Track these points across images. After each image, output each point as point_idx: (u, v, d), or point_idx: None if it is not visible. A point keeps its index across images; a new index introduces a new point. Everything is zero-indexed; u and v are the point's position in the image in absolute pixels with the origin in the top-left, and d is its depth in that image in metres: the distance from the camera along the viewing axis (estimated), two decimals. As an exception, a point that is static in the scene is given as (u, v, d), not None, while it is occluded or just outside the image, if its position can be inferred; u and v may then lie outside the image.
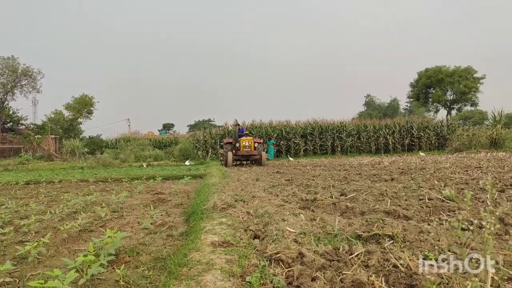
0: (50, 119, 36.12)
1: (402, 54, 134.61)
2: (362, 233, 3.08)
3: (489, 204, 4.04)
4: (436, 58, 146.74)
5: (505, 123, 25.15)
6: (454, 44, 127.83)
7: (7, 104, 35.72)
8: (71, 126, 37.65)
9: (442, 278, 1.99)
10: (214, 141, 27.24)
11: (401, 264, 2.25)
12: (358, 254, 2.56)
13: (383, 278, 2.16)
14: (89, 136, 40.92)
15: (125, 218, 5.28)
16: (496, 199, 4.45)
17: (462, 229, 1.62)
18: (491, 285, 1.67)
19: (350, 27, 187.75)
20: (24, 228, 4.41)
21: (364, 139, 28.84)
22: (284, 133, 28.07)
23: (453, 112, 40.26)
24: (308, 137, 28.31)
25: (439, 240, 2.71)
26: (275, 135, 27.72)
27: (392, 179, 7.38)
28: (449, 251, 2.32)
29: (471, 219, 1.62)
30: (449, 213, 3.85)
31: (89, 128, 54.34)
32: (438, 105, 39.89)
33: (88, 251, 2.76)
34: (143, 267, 3.07)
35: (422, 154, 22.26)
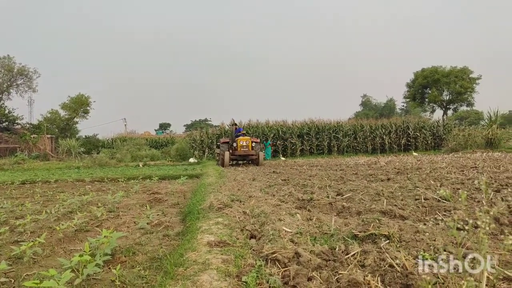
0: (46, 119, 35.92)
1: (402, 54, 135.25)
2: (358, 233, 3.09)
3: (484, 204, 4.05)
4: (436, 58, 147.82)
5: (501, 123, 25.28)
6: (454, 44, 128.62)
7: (3, 103, 35.56)
8: (67, 126, 37.48)
9: (438, 277, 2.00)
10: (210, 141, 27.19)
11: (397, 264, 2.26)
12: (354, 254, 2.56)
13: (379, 277, 2.16)
14: (85, 136, 40.79)
15: (121, 218, 5.27)
16: (491, 199, 4.47)
17: (458, 228, 1.63)
18: (486, 285, 1.68)
19: (350, 27, 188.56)
20: (19, 228, 4.38)
21: (361, 139, 28.89)
22: (280, 133, 28.08)
23: (449, 112, 40.47)
24: (305, 137, 28.33)
25: (435, 240, 2.72)
26: (272, 135, 27.71)
27: (388, 179, 7.40)
28: (444, 250, 2.33)
29: (467, 219, 1.63)
30: (444, 213, 3.87)
31: (85, 127, 54.22)
32: (434, 105, 40.09)
33: (84, 251, 2.75)
34: (139, 267, 3.06)
35: (415, 154, 22.34)
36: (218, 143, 18.92)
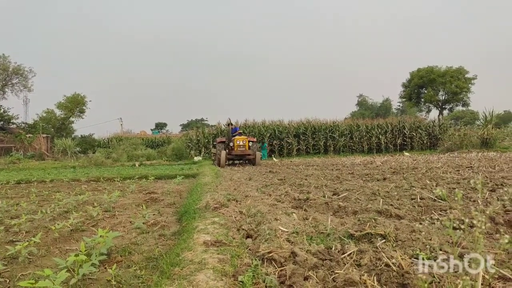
0: (42, 118, 35.78)
1: (402, 54, 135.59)
2: (354, 232, 3.09)
3: (480, 203, 4.07)
4: (436, 58, 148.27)
5: (496, 123, 25.45)
6: (454, 44, 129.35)
7: (-2, 103, 35.33)
8: (63, 125, 37.32)
9: (434, 277, 2.01)
10: (207, 140, 27.18)
11: (393, 263, 2.26)
12: (350, 253, 2.56)
13: (375, 277, 2.17)
14: (81, 135, 40.61)
15: (117, 218, 5.25)
16: (487, 198, 4.50)
17: (454, 228, 1.63)
18: (482, 284, 1.68)
19: (350, 27, 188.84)
20: (14, 228, 4.36)
21: (357, 139, 29.01)
22: (277, 132, 28.11)
23: (445, 112, 40.63)
24: (301, 136, 28.40)
25: (430, 239, 2.73)
26: (268, 135, 27.75)
27: (384, 179, 7.42)
28: (440, 250, 2.34)
29: (462, 218, 1.63)
30: (440, 212, 3.88)
31: (81, 127, 54.19)
32: (430, 105, 40.20)
33: (80, 251, 2.73)
34: (135, 266, 3.05)
35: (406, 154, 22.39)
36: (214, 143, 18.81)
